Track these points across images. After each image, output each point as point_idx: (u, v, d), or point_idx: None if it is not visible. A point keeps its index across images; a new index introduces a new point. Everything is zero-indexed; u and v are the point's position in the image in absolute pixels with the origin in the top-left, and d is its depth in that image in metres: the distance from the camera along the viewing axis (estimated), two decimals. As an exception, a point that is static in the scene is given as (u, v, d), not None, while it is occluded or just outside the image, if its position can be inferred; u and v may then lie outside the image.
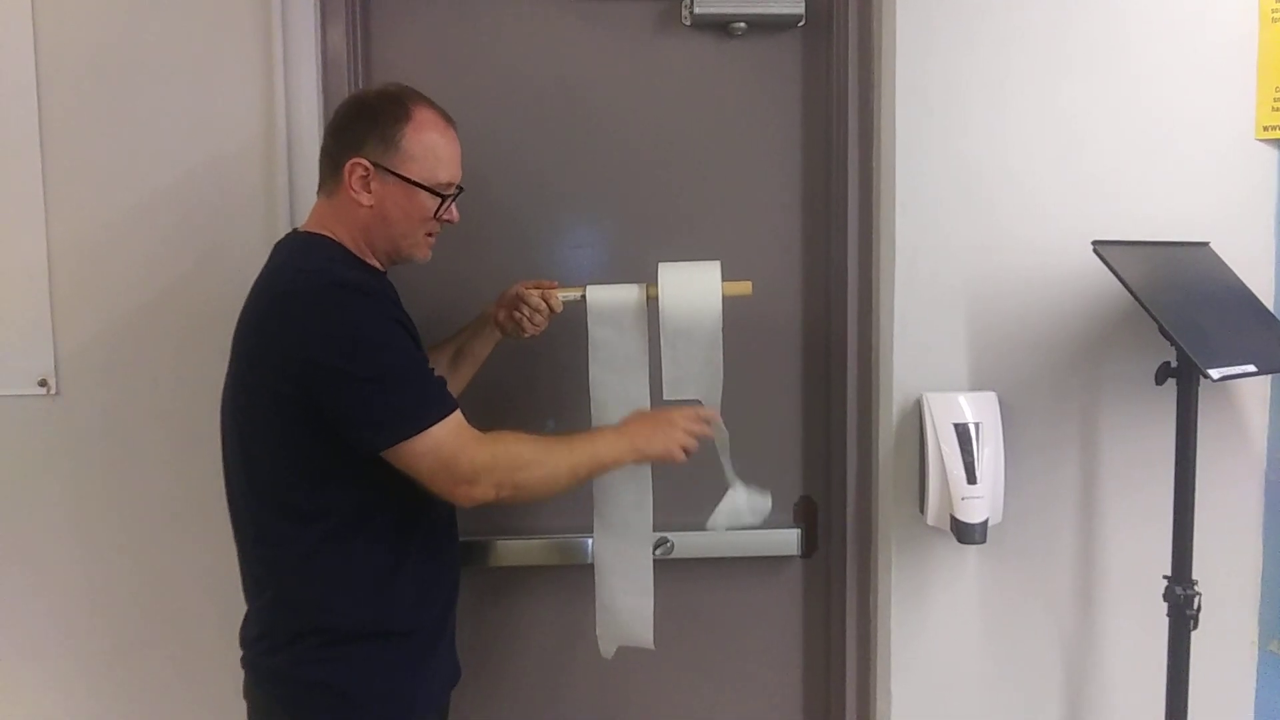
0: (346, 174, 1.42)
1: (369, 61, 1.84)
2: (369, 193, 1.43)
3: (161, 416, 1.75)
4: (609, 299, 1.61)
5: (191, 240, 1.73)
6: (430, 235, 1.50)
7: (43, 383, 1.75)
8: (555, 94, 1.86)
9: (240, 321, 1.41)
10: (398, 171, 1.42)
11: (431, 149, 1.44)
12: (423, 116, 1.44)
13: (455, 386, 1.69)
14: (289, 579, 1.41)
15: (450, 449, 1.34)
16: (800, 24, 1.85)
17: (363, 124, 1.44)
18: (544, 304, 1.60)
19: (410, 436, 1.32)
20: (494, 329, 1.67)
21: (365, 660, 1.41)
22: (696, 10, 1.81)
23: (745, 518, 1.64)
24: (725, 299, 1.59)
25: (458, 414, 1.38)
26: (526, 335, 1.63)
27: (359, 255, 1.46)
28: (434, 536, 1.48)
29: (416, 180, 1.43)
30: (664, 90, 1.87)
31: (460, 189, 1.51)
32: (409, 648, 1.44)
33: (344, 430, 1.34)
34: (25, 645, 1.79)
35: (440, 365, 1.68)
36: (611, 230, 1.89)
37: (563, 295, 1.62)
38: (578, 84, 1.86)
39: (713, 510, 1.65)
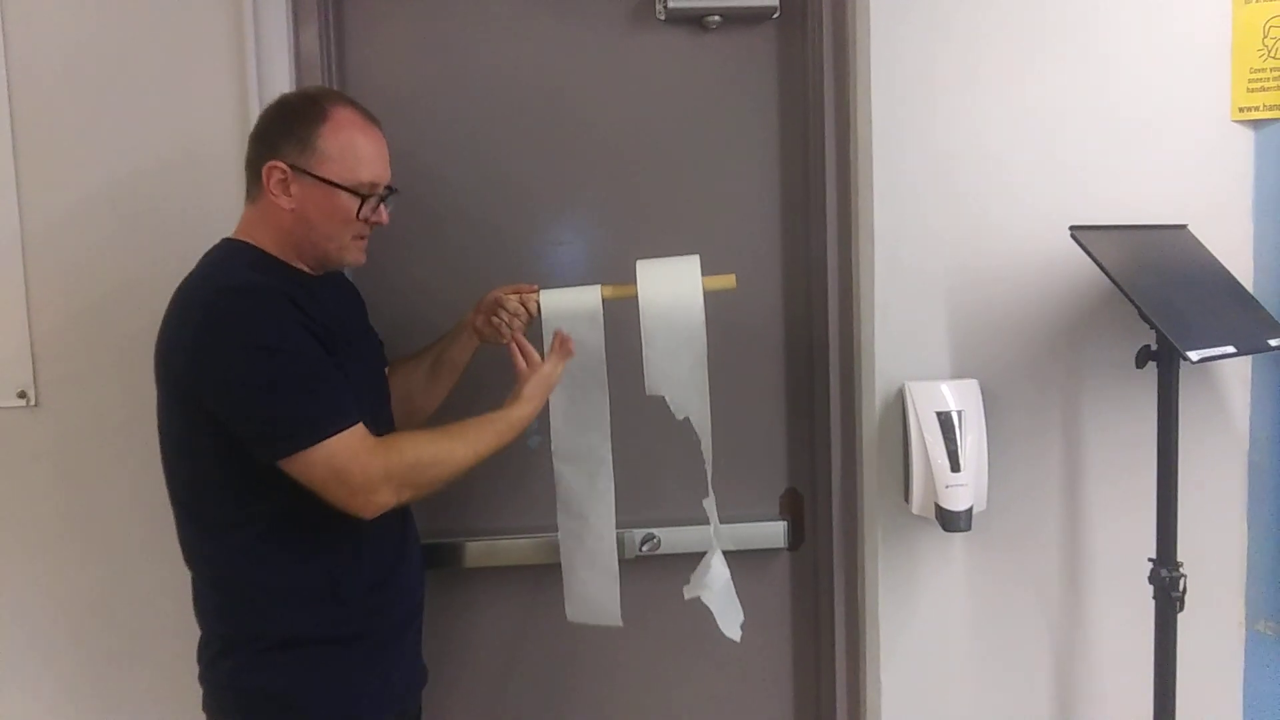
0: (265, 178, 1.41)
1: (342, 61, 1.83)
2: (289, 196, 1.41)
3: (142, 427, 1.71)
4: (563, 302, 1.59)
5: (167, 247, 1.71)
6: (360, 238, 1.47)
7: (22, 394, 1.74)
8: (530, 90, 1.85)
9: (158, 335, 1.40)
10: (315, 173, 1.40)
11: (350, 149, 1.41)
12: (340, 116, 1.42)
13: (437, 395, 1.69)
14: (223, 589, 1.42)
15: (343, 460, 1.31)
16: (774, 16, 1.85)
17: (279, 126, 1.42)
18: (523, 309, 1.59)
19: (304, 448, 1.30)
20: (472, 335, 1.66)
21: (305, 665, 1.40)
22: (671, 4, 1.81)
23: (716, 589, 1.65)
24: (708, 293, 1.57)
25: (358, 426, 1.34)
26: (505, 341, 1.60)
27: (284, 260, 1.45)
28: (385, 540, 1.48)
29: (335, 181, 1.40)
30: (640, 85, 1.87)
31: (391, 189, 1.48)
32: (354, 653, 1.43)
33: (244, 440, 1.32)
34: (11, 657, 1.78)
35: (419, 374, 1.68)
36: (589, 227, 1.89)
37: None
38: (553, 80, 1.85)
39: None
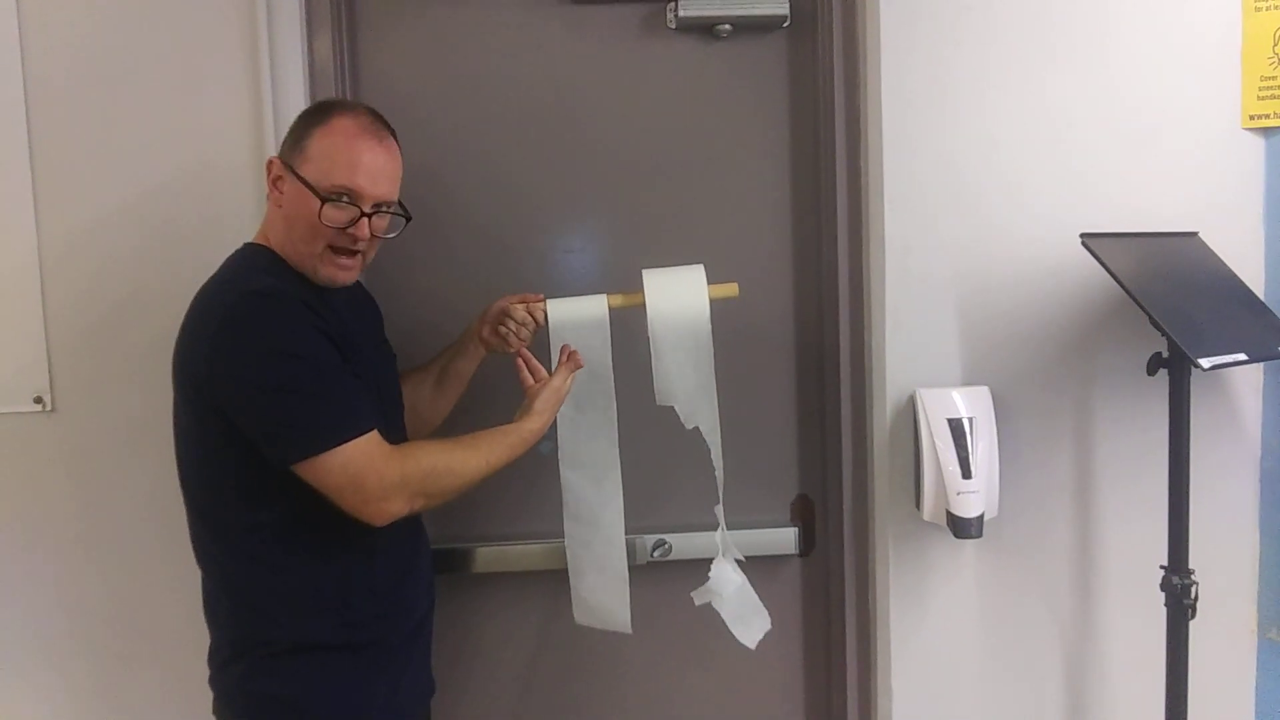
0: (266, 172, 1.43)
1: (356, 70, 1.84)
2: (280, 193, 1.42)
3: (156, 432, 1.72)
4: (571, 311, 1.60)
5: (182, 254, 1.72)
6: (337, 251, 1.41)
7: (38, 400, 1.75)
8: (542, 100, 1.86)
9: (177, 338, 1.40)
10: (296, 171, 1.40)
11: (329, 151, 1.38)
12: (340, 123, 1.40)
13: (443, 406, 1.70)
14: (234, 593, 1.43)
15: (359, 466, 1.32)
16: (785, 24, 1.86)
17: (292, 126, 1.45)
18: (530, 318, 1.59)
19: (320, 452, 1.30)
20: (478, 345, 1.66)
21: (315, 671, 1.41)
22: (681, 13, 1.81)
23: (727, 595, 1.65)
24: (713, 302, 1.59)
25: (374, 433, 1.35)
26: (512, 350, 1.60)
27: (290, 262, 1.44)
28: (397, 547, 1.48)
29: (306, 179, 1.38)
30: (651, 94, 1.87)
31: (381, 208, 1.43)
32: (364, 659, 1.44)
33: (258, 443, 1.33)
34: (24, 662, 1.79)
35: (426, 385, 1.68)
36: (601, 236, 1.89)
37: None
38: (564, 90, 1.86)
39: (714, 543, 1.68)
